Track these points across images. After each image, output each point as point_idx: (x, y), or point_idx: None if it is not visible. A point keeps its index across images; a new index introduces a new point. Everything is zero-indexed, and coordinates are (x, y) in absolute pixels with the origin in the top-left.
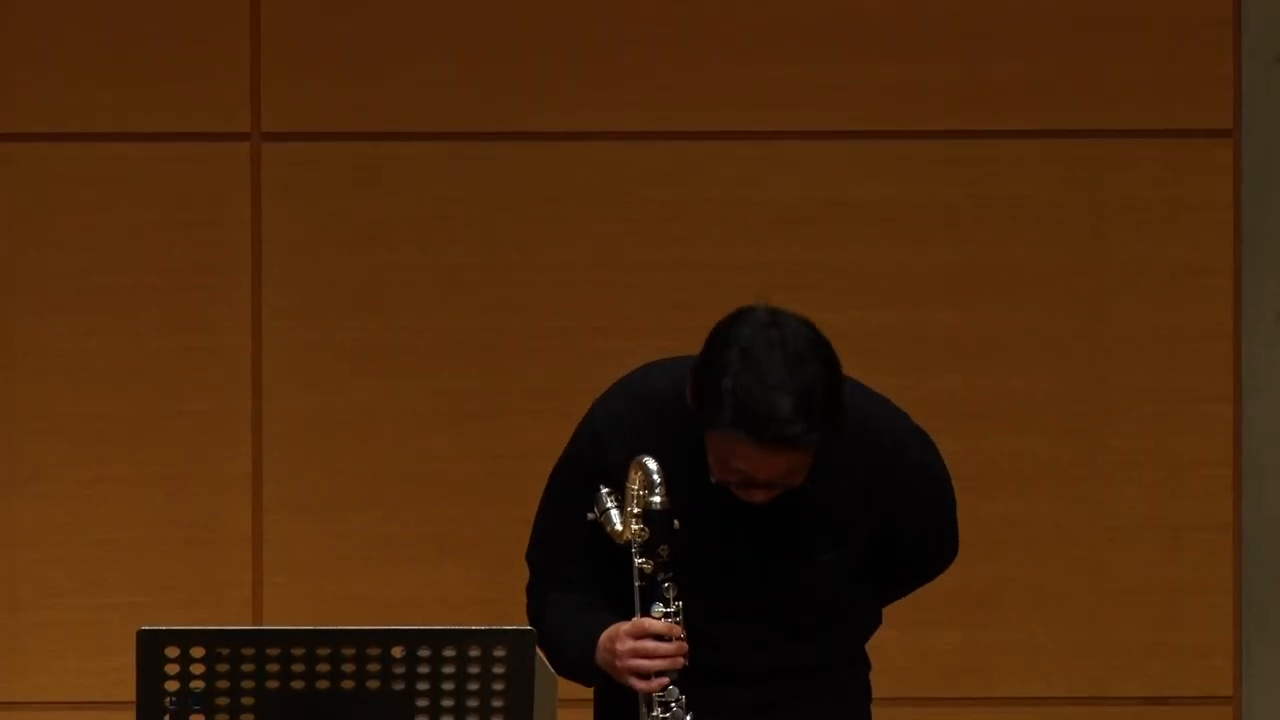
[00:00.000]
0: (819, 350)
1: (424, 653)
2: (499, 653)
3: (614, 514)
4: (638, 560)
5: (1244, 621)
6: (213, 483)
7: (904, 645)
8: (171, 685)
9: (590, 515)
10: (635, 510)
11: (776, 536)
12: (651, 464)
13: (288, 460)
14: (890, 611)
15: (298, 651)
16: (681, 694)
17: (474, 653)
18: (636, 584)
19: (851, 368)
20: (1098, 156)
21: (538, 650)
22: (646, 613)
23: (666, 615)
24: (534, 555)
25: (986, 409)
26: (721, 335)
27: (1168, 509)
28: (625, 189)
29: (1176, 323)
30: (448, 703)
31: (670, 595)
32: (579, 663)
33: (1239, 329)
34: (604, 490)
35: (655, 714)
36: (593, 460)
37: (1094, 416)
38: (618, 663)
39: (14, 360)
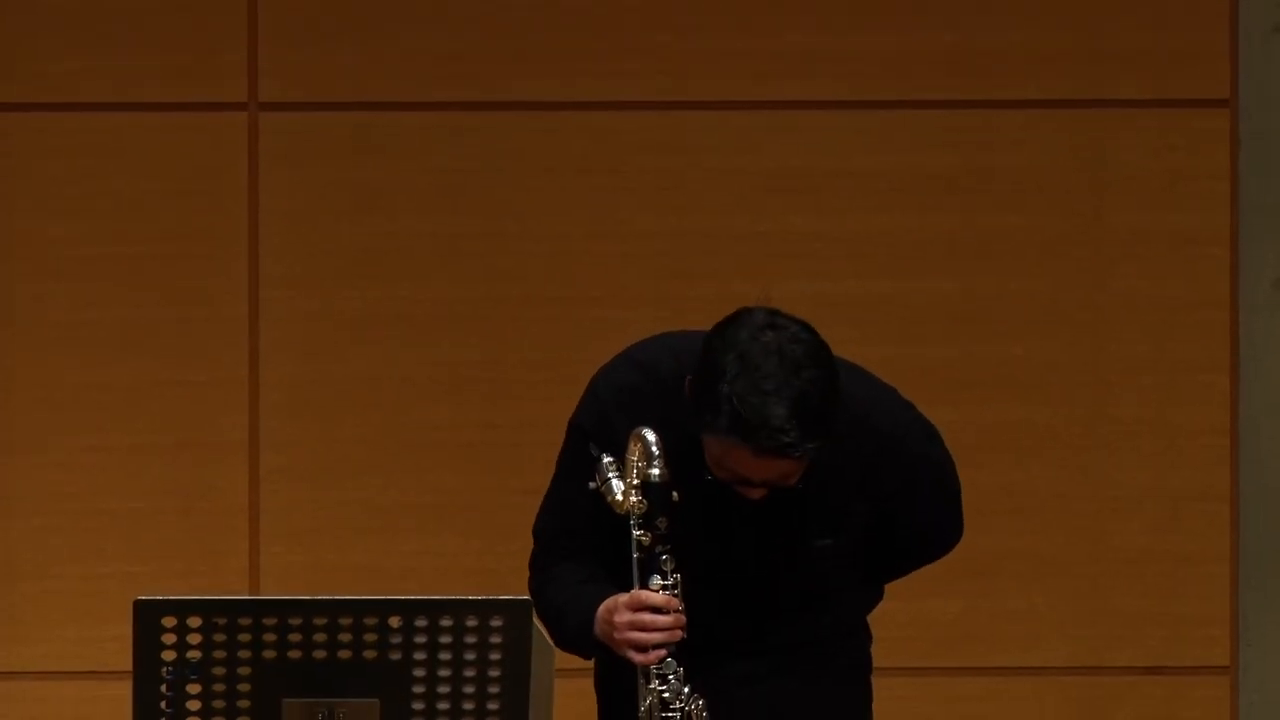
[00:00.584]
0: (816, 356)
1: (421, 623)
2: (496, 623)
3: (615, 483)
4: (636, 532)
5: (1241, 591)
6: (210, 452)
7: (904, 615)
8: (168, 655)
9: (592, 484)
10: (634, 482)
11: (773, 522)
12: (650, 435)
13: (285, 429)
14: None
15: (295, 621)
16: (679, 666)
17: (471, 623)
18: (634, 556)
19: (850, 337)
20: (1096, 126)
21: (536, 621)
22: (644, 585)
23: (664, 588)
24: (539, 527)
25: (985, 379)
26: (719, 339)
27: (1166, 479)
28: (623, 158)
29: (1175, 292)
30: (445, 673)
31: (668, 568)
32: (579, 635)
33: (1236, 298)
34: (606, 460)
35: (653, 686)
36: (595, 431)
37: (1093, 386)
38: (616, 635)
39: (12, 329)
